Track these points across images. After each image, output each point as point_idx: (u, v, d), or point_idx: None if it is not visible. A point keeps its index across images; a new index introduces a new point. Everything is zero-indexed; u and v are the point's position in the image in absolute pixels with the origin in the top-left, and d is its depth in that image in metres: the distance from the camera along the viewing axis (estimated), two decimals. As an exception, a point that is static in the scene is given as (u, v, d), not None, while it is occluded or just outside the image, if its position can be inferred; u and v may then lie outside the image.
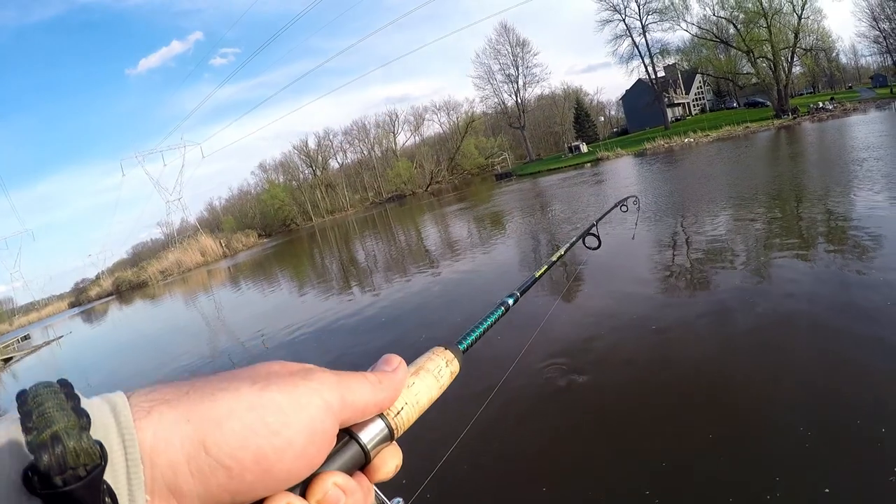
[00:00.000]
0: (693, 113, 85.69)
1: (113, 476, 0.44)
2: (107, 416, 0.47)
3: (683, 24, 66.38)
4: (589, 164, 55.76)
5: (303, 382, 0.59)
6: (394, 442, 0.67)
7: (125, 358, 20.32)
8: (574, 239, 1.77)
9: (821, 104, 54.78)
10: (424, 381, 0.73)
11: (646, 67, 72.35)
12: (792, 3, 56.85)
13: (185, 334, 21.75)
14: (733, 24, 60.77)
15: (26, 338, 51.43)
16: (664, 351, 7.14)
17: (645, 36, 70.74)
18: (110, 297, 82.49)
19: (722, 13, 61.49)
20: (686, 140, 52.64)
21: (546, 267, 1.41)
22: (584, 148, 72.63)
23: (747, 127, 52.62)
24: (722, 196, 18.30)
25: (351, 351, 11.31)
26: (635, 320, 8.48)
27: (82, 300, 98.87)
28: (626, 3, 69.85)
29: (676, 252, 12.98)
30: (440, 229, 32.84)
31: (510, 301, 1.04)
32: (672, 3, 65.80)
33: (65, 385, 0.45)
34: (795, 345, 6.46)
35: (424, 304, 14.00)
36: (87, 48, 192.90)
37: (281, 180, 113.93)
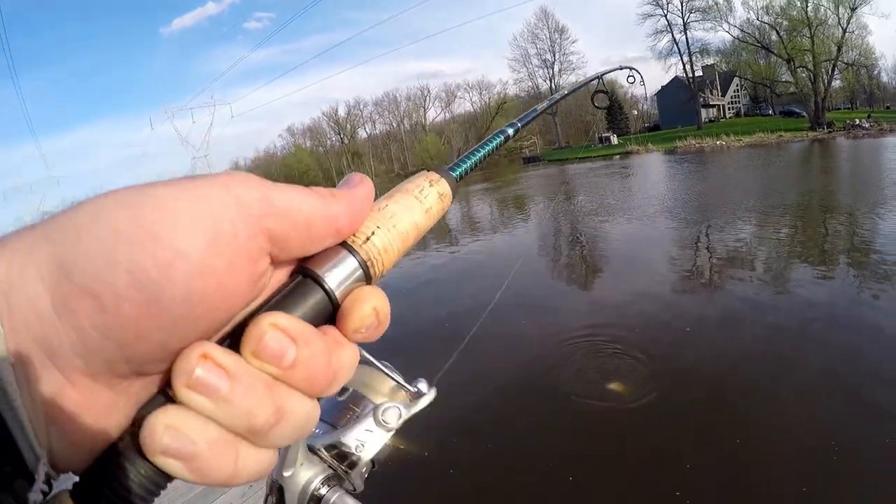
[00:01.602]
0: (727, 116, 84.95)
1: None
2: None
3: (725, 26, 65.76)
4: (618, 157, 55.70)
5: (204, 178, 0.42)
6: (373, 284, 0.50)
7: None
8: (578, 84, 1.58)
9: (857, 121, 54.15)
10: (401, 201, 0.55)
11: (684, 66, 71.86)
12: (838, 15, 56.20)
13: None
14: (776, 31, 60.14)
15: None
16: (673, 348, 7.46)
17: (686, 34, 70.18)
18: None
19: (766, 18, 60.90)
20: (718, 142, 52.45)
21: (548, 103, 1.25)
22: (614, 140, 72.30)
23: (781, 136, 52.35)
24: (749, 204, 18.32)
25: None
26: (649, 316, 8.75)
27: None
28: (669, -1, 69.37)
29: (698, 253, 13.28)
30: (462, 207, 33.10)
31: (510, 130, 0.93)
32: (716, 3, 65.19)
33: None
34: (803, 360, 6.72)
35: (436, 280, 14.22)
36: (122, 3, 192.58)
37: (308, 145, 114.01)
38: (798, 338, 7.36)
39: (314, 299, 0.45)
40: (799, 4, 57.46)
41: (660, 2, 69.79)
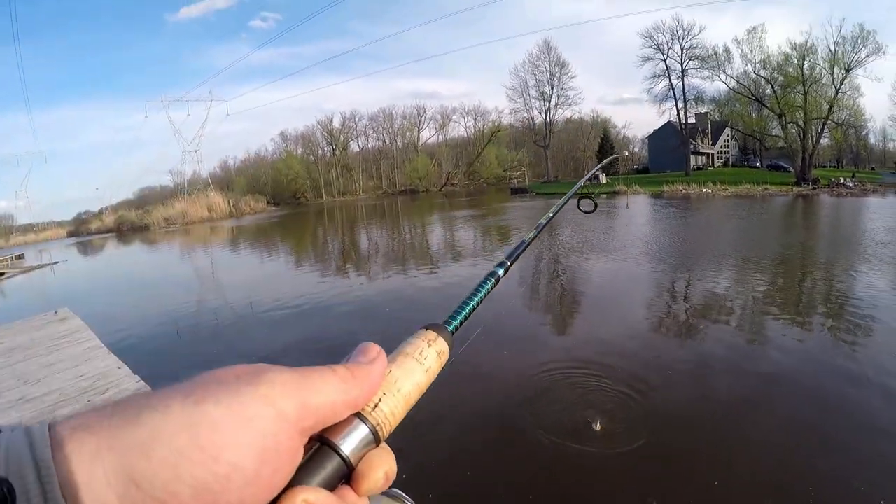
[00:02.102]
0: (716, 164, 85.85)
1: None
2: (22, 448, 0.40)
3: (722, 76, 66.42)
4: (605, 196, 56.04)
5: (248, 389, 0.48)
6: (382, 444, 0.57)
7: (116, 297, 20.46)
8: (564, 200, 1.61)
9: (842, 179, 54.86)
10: (404, 366, 0.62)
11: (678, 111, 72.60)
12: (832, 75, 57.04)
13: (177, 284, 22.01)
14: (771, 85, 60.79)
15: (20, 257, 51.25)
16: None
17: (683, 80, 71.08)
18: (109, 234, 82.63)
19: (763, 72, 61.59)
20: (704, 190, 52.89)
21: (536, 231, 1.32)
22: (603, 178, 72.64)
23: (766, 188, 52.78)
24: (729, 253, 18.56)
25: (331, 334, 11.52)
26: (628, 356, 8.77)
27: (81, 231, 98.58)
28: (670, 45, 70.15)
29: (674, 297, 13.37)
30: (446, 231, 33.12)
31: (500, 272, 0.96)
32: (715, 54, 66.07)
33: None
34: (771, 408, 6.85)
35: (418, 301, 14.21)
36: None
37: (299, 152, 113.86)
38: (772, 385, 7.52)
39: (333, 466, 0.52)
40: (795, 62, 58.29)
41: (661, 47, 70.76)
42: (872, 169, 78.19)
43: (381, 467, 0.55)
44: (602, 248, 20.77)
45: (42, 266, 39.27)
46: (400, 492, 0.79)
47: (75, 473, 0.40)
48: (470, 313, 0.76)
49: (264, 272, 23.21)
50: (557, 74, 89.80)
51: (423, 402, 0.55)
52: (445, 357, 0.66)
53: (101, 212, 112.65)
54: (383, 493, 0.71)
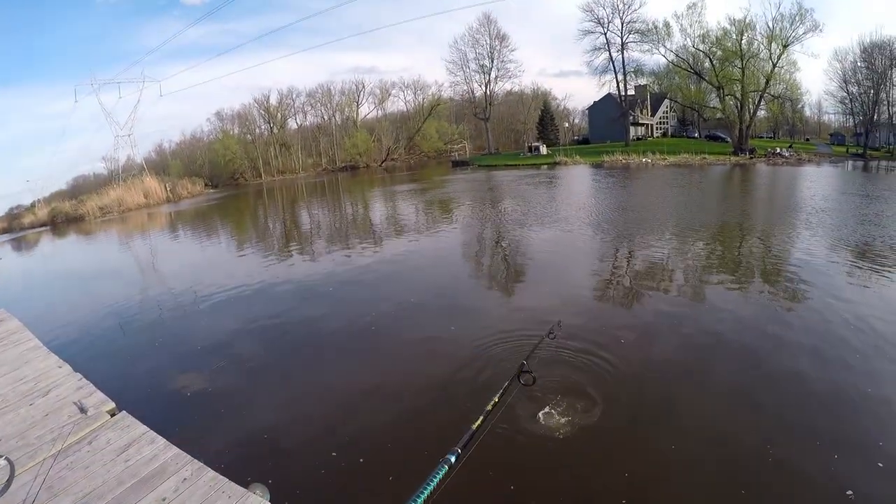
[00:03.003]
0: (655, 135, 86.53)
1: None
2: None
3: (662, 49, 66.73)
4: (546, 166, 55.91)
5: None
6: None
7: (53, 294, 19.62)
8: (507, 383, 1.78)
9: (778, 149, 55.88)
10: None
11: (618, 83, 72.83)
12: (770, 50, 57.70)
13: (117, 276, 21.17)
14: (710, 59, 61.30)
15: (-49, 258, 49.02)
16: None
17: (623, 53, 70.95)
18: (44, 228, 79.39)
19: (701, 46, 61.96)
20: (644, 160, 53.03)
21: (482, 418, 1.33)
22: (543, 150, 72.66)
23: (704, 158, 53.41)
24: (669, 220, 18.77)
25: (275, 321, 11.38)
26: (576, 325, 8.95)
27: (14, 227, 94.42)
28: (610, 18, 69.86)
29: (616, 265, 13.24)
30: (388, 207, 32.71)
31: (452, 458, 0.99)
32: (655, 28, 66.27)
33: None
34: (712, 368, 7.41)
35: (359, 281, 14.12)
36: None
37: (236, 132, 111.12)
38: (713, 347, 8.09)
39: None
40: (734, 37, 58.87)
41: (602, 20, 70.53)
42: (807, 140, 79.74)
43: None
44: (545, 219, 20.53)
45: (-26, 267, 37.28)
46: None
47: None
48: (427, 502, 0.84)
49: (205, 257, 22.56)
50: (497, 48, 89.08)
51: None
52: None
53: (33, 205, 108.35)
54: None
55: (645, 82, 77.30)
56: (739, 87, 59.29)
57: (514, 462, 5.49)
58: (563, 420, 6.15)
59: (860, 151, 59.17)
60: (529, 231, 18.14)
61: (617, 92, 74.14)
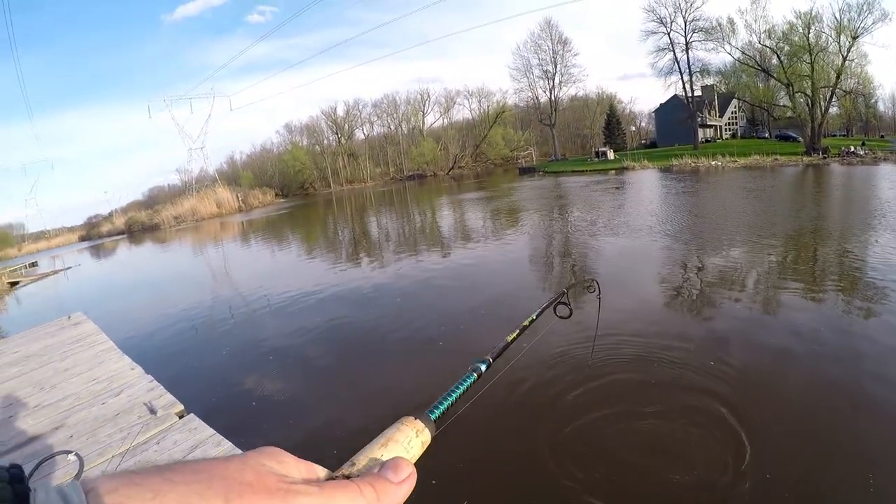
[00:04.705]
0: (724, 137, 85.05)
1: None
2: None
3: (727, 48, 65.82)
4: (613, 172, 55.85)
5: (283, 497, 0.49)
6: None
7: (129, 299, 20.60)
8: (545, 305, 1.73)
9: (852, 148, 54.23)
10: (393, 452, 0.67)
11: (683, 84, 71.96)
12: (839, 43, 56.28)
13: (190, 282, 22.16)
14: (777, 55, 60.24)
15: (34, 264, 51.86)
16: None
17: (687, 53, 70.25)
18: (121, 236, 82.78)
19: (768, 42, 60.98)
20: (713, 162, 52.50)
21: (517, 332, 1.37)
22: (610, 154, 72.41)
23: (776, 159, 52.42)
24: (741, 226, 18.32)
25: (343, 328, 11.48)
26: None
27: (93, 235, 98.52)
28: (673, 18, 69.20)
29: (687, 273, 13.25)
30: (456, 215, 32.98)
31: (482, 367, 1.00)
32: (719, 25, 65.39)
33: (13, 471, 0.37)
34: (787, 381, 6.81)
35: (429, 287, 14.28)
36: None
37: (305, 143, 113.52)
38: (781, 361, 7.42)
39: None
40: (801, 31, 57.55)
41: (664, 20, 69.90)
42: (882, 137, 77.20)
43: None
44: (618, 228, 20.42)
45: (55, 272, 39.69)
46: None
47: None
48: (452, 405, 0.83)
49: (277, 264, 23.41)
50: (560, 52, 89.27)
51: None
52: (427, 446, 0.72)
53: (111, 214, 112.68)
54: None
55: (711, 82, 75.99)
56: (809, 83, 57.87)
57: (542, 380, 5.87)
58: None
59: (941, 147, 56.91)
60: (600, 240, 18.05)
61: (683, 93, 73.18)
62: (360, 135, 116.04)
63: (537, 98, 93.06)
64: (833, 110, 65.47)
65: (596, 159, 72.83)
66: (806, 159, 52.09)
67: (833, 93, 58.32)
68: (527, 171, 72.98)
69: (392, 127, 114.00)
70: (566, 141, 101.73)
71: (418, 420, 0.73)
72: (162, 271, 29.15)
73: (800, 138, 62.36)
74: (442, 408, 0.81)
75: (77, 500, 0.40)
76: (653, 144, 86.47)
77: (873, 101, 71.60)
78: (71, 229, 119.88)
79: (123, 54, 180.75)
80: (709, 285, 11.83)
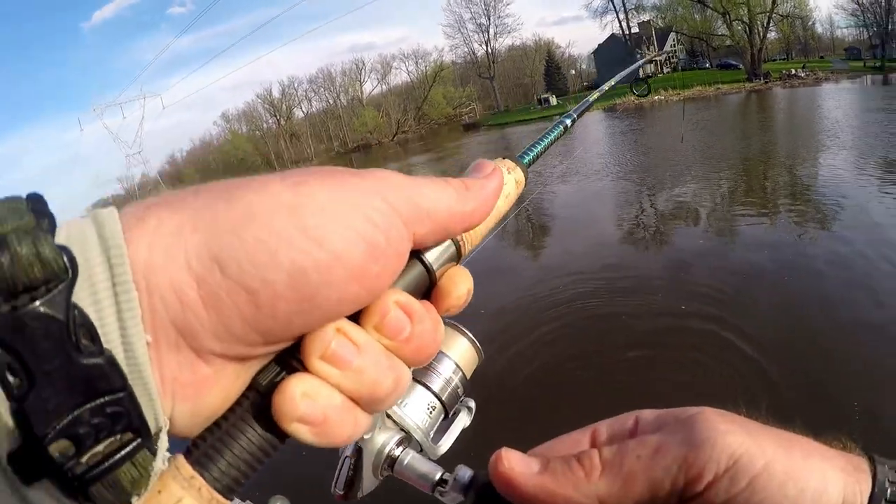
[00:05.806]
0: (665, 71, 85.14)
1: (95, 304, 0.33)
2: (86, 226, 0.35)
3: (660, -21, 65.44)
4: (558, 117, 55.09)
5: (356, 180, 0.42)
6: (460, 264, 0.53)
7: None
8: (626, 70, 1.67)
9: (793, 71, 54.63)
10: None
11: (620, 23, 71.79)
12: (773, -32, 56.17)
13: None
14: (711, -16, 60.01)
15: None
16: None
17: (621, -10, 69.68)
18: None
19: (701, -29, 60.68)
20: (656, 97, 52.05)
21: (598, 94, 1.37)
22: (553, 101, 71.84)
23: (718, 88, 52.60)
24: (691, 157, 18.32)
25: None
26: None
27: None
28: (604, -46, 68.60)
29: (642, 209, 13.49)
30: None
31: (568, 121, 0.99)
32: (650, -43, 64.81)
33: (34, 198, 0.35)
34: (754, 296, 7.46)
35: None
36: (39, 3, 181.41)
37: (244, 130, 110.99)
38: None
39: (416, 275, 0.48)
40: (735, -43, 57.14)
41: (595, -42, 69.05)
42: (822, 57, 77.71)
43: (464, 284, 0.51)
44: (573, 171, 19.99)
45: None
46: (458, 324, 0.80)
47: (151, 254, 0.35)
48: (541, 152, 0.83)
49: None
50: (492, 3, 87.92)
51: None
52: (521, 187, 0.65)
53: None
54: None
55: (647, 18, 75.76)
56: (746, 11, 58.00)
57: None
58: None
59: (878, 64, 57.00)
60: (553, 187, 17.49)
61: (620, 31, 72.83)
62: (299, 113, 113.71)
63: (474, 52, 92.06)
64: (772, 35, 65.86)
65: (539, 107, 72.20)
66: (748, 86, 52.37)
67: (770, 18, 58.46)
68: (471, 127, 72.27)
69: (331, 101, 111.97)
70: (508, 92, 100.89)
71: (508, 160, 0.66)
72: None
73: (741, 66, 62.44)
74: (533, 153, 0.80)
75: (107, 211, 0.37)
76: (595, 86, 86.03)
77: (811, 23, 72.16)
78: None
79: (50, 72, 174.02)
80: (665, 219, 12.23)
